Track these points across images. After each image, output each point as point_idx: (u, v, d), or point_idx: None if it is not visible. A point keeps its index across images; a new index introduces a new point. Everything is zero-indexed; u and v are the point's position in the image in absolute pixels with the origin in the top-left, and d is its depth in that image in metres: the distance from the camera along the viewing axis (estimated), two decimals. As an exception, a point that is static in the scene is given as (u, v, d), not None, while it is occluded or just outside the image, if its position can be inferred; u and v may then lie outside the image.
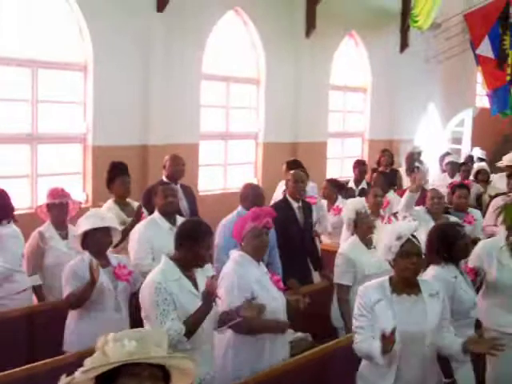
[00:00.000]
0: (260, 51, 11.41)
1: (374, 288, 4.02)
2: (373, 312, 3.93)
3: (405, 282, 4.01)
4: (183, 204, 7.20)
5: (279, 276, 5.10)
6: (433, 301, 4.02)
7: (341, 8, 12.37)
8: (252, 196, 6.31)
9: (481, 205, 9.31)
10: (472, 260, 5.37)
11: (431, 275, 4.57)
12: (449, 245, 4.78)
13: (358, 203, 6.21)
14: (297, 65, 11.89)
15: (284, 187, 8.57)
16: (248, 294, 4.42)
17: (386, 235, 4.02)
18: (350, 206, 6.19)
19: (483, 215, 7.88)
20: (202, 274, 4.22)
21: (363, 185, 9.33)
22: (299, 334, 5.53)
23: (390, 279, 4.05)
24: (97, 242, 4.91)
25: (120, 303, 4.92)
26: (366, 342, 3.89)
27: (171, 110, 9.82)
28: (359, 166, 9.78)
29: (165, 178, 7.22)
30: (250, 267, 4.63)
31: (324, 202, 8.40)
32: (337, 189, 8.60)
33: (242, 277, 4.55)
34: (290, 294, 5.28)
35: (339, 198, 8.44)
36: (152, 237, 5.69)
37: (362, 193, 7.99)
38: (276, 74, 11.59)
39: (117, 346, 2.06)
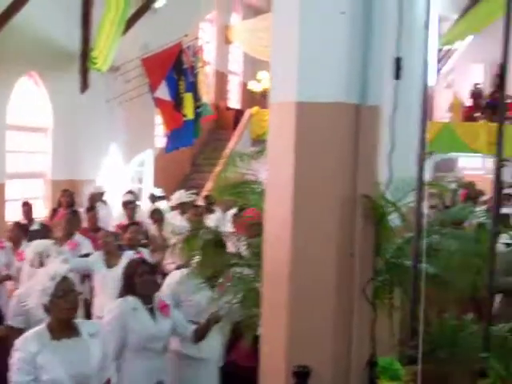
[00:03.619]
0: None
1: (33, 338, 3.93)
2: (36, 364, 3.83)
3: (63, 325, 3.98)
4: None
5: None
6: (94, 341, 4.06)
7: (19, 47, 12.03)
8: None
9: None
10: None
11: (108, 307, 4.68)
12: (127, 280, 4.99)
13: (39, 245, 6.14)
14: (-30, 103, 11.31)
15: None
16: None
17: (40, 278, 3.99)
18: (32, 248, 6.12)
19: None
20: None
21: (36, 226, 9.24)
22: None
23: (48, 325, 3.99)
24: None
25: None
26: None
27: None
28: (25, 207, 9.76)
29: None
30: None
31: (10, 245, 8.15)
32: (23, 233, 8.40)
33: None
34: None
35: (24, 242, 8.22)
36: None
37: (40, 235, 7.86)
38: None
39: None
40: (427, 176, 4.68)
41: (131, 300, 4.98)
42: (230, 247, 5.28)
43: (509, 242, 7.69)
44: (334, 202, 3.80)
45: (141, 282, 4.99)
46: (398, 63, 3.72)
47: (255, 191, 4.94)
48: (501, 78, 3.59)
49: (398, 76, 3.75)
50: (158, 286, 5.34)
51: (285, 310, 3.97)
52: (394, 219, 4.08)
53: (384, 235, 4.00)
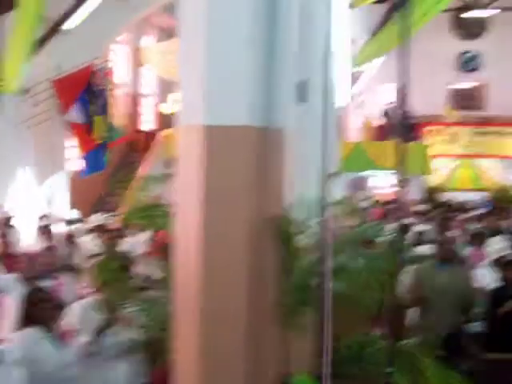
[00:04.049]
0: None
1: None
2: None
3: None
4: None
5: None
6: (16, 367, 3.99)
7: None
8: None
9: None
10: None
11: (12, 339, 4.56)
12: (27, 309, 4.86)
13: None
14: None
15: None
16: None
17: None
18: None
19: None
20: None
21: None
22: None
23: None
24: None
25: None
26: None
27: None
28: None
29: None
30: None
31: None
32: None
33: None
34: None
35: None
36: None
37: None
38: None
39: None
40: (338, 195, 4.77)
41: (31, 331, 4.82)
42: (143, 270, 5.24)
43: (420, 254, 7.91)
44: (243, 224, 3.83)
45: (40, 311, 4.84)
46: (302, 87, 3.80)
47: (164, 214, 4.92)
48: (401, 100, 3.72)
49: (302, 99, 3.82)
50: (58, 314, 5.20)
51: (196, 333, 3.96)
52: (302, 239, 4.14)
53: (292, 256, 4.05)
